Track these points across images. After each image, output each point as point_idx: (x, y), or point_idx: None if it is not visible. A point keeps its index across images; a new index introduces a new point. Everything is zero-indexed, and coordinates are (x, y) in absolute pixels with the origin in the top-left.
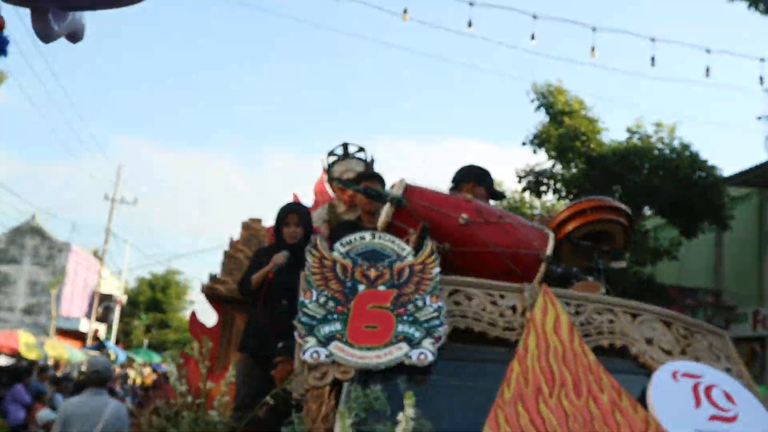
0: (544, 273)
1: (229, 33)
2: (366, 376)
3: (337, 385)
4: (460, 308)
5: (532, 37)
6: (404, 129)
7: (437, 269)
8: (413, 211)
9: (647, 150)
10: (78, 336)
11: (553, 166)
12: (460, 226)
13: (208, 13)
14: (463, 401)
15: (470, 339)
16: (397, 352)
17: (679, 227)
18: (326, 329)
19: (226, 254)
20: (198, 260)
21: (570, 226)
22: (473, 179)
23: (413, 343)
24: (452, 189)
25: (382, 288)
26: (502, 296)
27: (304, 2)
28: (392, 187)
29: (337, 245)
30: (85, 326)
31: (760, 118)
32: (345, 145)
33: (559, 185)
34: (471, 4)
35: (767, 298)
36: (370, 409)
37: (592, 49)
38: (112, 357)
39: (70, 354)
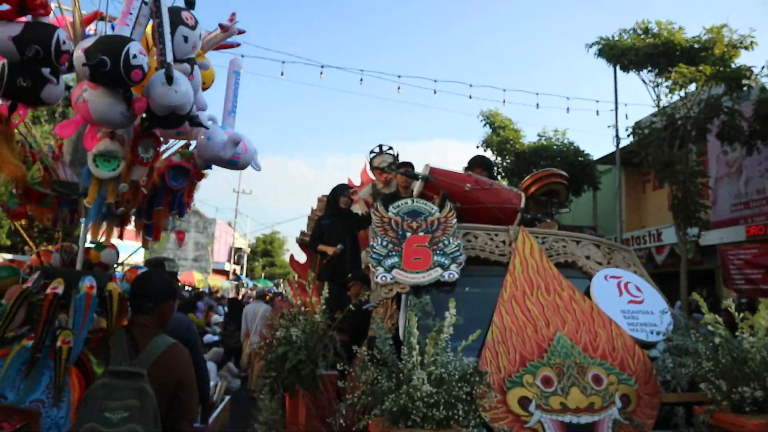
0: (520, 218)
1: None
2: (416, 289)
3: (397, 297)
4: (471, 244)
5: None
6: (405, 136)
7: (455, 220)
8: (435, 184)
9: (549, 147)
10: (224, 273)
11: (496, 159)
12: (466, 192)
13: None
14: (476, 301)
15: (478, 262)
16: (435, 273)
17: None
18: (389, 261)
19: (309, 218)
20: (290, 225)
21: (532, 188)
22: (481, 165)
23: (444, 268)
24: (466, 170)
25: (421, 234)
26: (496, 234)
27: None
28: (422, 169)
29: (391, 208)
30: (228, 267)
31: (609, 126)
32: (380, 146)
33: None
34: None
35: (622, 230)
36: (422, 310)
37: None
38: (244, 284)
39: (221, 284)
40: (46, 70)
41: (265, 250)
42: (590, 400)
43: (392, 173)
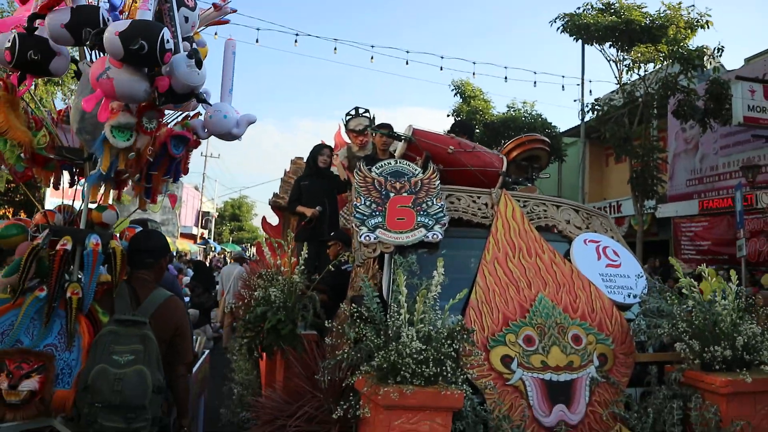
0: (501, 182)
1: None
2: (400, 249)
3: (379, 257)
4: (454, 206)
5: None
6: (376, 102)
7: (438, 182)
8: (418, 146)
9: (518, 118)
10: (191, 237)
11: None
12: (448, 155)
13: None
14: (459, 262)
15: (461, 224)
16: (419, 233)
17: None
18: (372, 221)
19: (282, 180)
20: (258, 189)
21: (514, 153)
22: (463, 129)
23: (428, 228)
24: (448, 133)
25: (405, 194)
26: (479, 197)
27: None
28: (405, 130)
29: (374, 168)
30: (195, 231)
31: (575, 100)
32: (356, 108)
33: None
34: None
35: (585, 197)
36: (408, 270)
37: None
38: (212, 248)
39: (189, 248)
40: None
41: (233, 214)
42: (570, 358)
43: (372, 135)
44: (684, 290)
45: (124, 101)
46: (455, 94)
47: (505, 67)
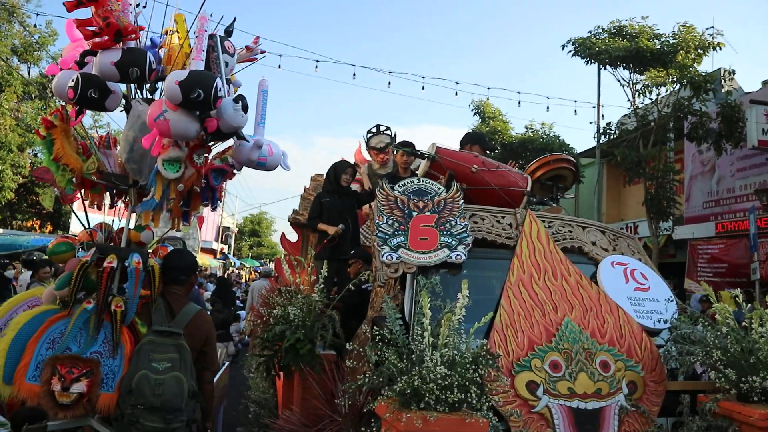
0: (526, 202)
1: None
2: (423, 270)
3: (401, 276)
4: (478, 226)
5: None
6: (394, 120)
7: (462, 201)
8: (442, 164)
9: (536, 139)
10: (212, 252)
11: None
12: (472, 173)
13: None
14: (483, 283)
15: (485, 245)
16: (442, 254)
17: None
18: (395, 241)
19: (302, 197)
20: (277, 205)
21: (539, 172)
22: (475, 141)
23: (451, 248)
24: (461, 147)
25: (428, 214)
26: (503, 217)
27: None
28: (428, 148)
29: (396, 187)
30: (216, 246)
31: (591, 122)
32: (378, 125)
33: None
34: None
35: (602, 218)
36: (432, 291)
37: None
38: (231, 263)
39: (209, 262)
40: (115, 86)
41: (252, 230)
42: (598, 386)
43: (393, 152)
44: (718, 316)
45: (178, 140)
46: (474, 114)
47: (519, 92)
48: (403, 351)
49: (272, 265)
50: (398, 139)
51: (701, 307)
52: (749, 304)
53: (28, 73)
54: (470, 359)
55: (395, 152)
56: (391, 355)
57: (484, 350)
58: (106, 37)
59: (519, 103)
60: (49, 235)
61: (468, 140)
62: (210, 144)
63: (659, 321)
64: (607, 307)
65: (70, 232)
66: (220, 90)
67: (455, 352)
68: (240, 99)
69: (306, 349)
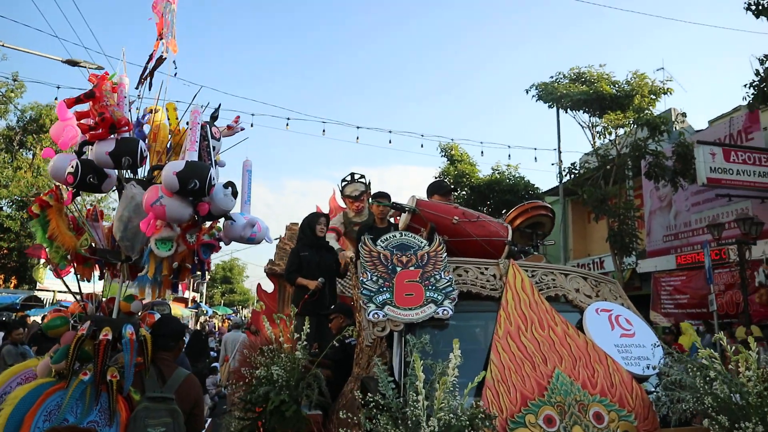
0: (508, 251)
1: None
2: (409, 326)
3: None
4: (462, 278)
5: None
6: (365, 161)
7: (445, 254)
8: (423, 217)
9: (503, 180)
10: (183, 301)
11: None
12: (453, 225)
13: None
14: (471, 337)
15: (470, 297)
16: (429, 310)
17: None
18: (380, 298)
19: (278, 246)
20: (249, 252)
21: (518, 221)
22: (433, 191)
23: (438, 304)
24: (429, 194)
25: (412, 269)
26: (486, 268)
27: None
28: (408, 201)
29: (379, 242)
30: (188, 294)
31: (553, 164)
32: (352, 174)
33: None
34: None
35: (569, 254)
36: (422, 350)
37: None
38: (204, 312)
39: (181, 311)
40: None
41: (224, 276)
42: None
43: (369, 201)
44: (704, 360)
45: (173, 223)
46: (442, 156)
47: (481, 143)
48: (398, 416)
49: (245, 313)
50: (372, 187)
51: (666, 339)
52: (708, 335)
53: None
54: (467, 422)
55: (370, 201)
56: (386, 422)
57: (480, 411)
58: (101, 130)
59: (482, 152)
60: (16, 292)
61: (434, 190)
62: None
63: (647, 367)
64: (595, 356)
65: (39, 286)
66: (213, 179)
67: (451, 415)
68: (230, 185)
69: (291, 410)
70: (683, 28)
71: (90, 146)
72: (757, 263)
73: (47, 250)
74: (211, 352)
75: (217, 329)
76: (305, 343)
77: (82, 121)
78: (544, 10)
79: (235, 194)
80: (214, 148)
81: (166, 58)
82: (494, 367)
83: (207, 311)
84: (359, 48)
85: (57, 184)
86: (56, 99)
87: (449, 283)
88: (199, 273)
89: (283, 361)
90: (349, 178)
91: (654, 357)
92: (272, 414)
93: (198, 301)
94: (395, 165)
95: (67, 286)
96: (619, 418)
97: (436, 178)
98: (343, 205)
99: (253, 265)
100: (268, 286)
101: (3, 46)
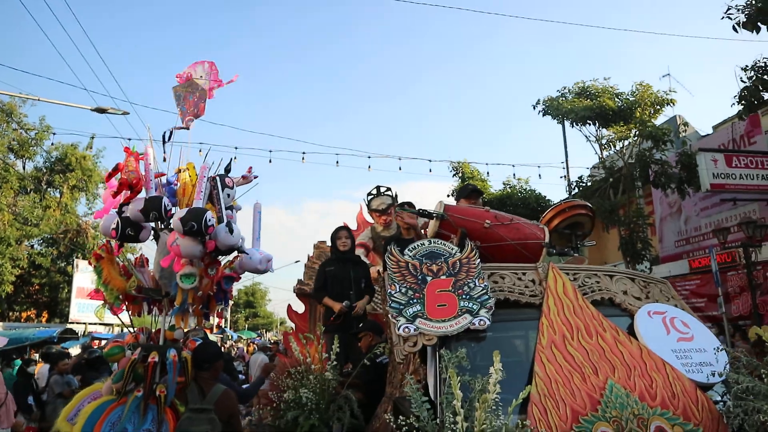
0: (545, 254)
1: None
2: (444, 340)
3: (421, 350)
4: (498, 285)
5: None
6: (381, 178)
7: (478, 260)
8: (452, 222)
9: (514, 194)
10: (208, 327)
11: None
12: (485, 229)
13: None
14: (511, 348)
15: (508, 305)
16: (464, 321)
17: None
18: (410, 310)
19: (306, 266)
20: (271, 275)
21: (555, 221)
22: (466, 195)
23: (473, 314)
24: (456, 199)
25: (443, 277)
26: (524, 273)
27: None
28: (435, 207)
29: (406, 251)
30: (212, 320)
31: (561, 177)
32: (378, 187)
33: None
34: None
35: (586, 263)
36: (458, 365)
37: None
38: (229, 336)
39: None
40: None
41: (247, 301)
42: None
43: (395, 214)
44: None
45: (188, 258)
46: (453, 175)
47: (486, 164)
48: None
49: (268, 336)
50: (399, 200)
51: None
52: (721, 336)
53: (23, 168)
54: None
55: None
56: None
57: (527, 431)
58: (127, 192)
59: (488, 173)
60: (50, 325)
61: (468, 193)
62: (219, 258)
63: (712, 374)
64: (651, 363)
65: (70, 318)
66: (210, 220)
67: None
68: (228, 224)
69: None
70: (689, 32)
71: (127, 206)
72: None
73: (104, 292)
74: (240, 375)
75: (246, 352)
76: (335, 362)
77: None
78: (545, 18)
79: (231, 231)
80: (228, 195)
81: (189, 128)
82: (539, 381)
83: (232, 336)
84: (359, 73)
85: (107, 239)
86: (93, 137)
87: (485, 291)
88: (223, 303)
89: (312, 383)
90: (375, 192)
91: (718, 362)
92: None
93: (222, 326)
94: (408, 181)
95: (122, 322)
96: None
97: (449, 196)
98: (370, 220)
99: (275, 288)
100: (299, 307)
101: (39, 100)
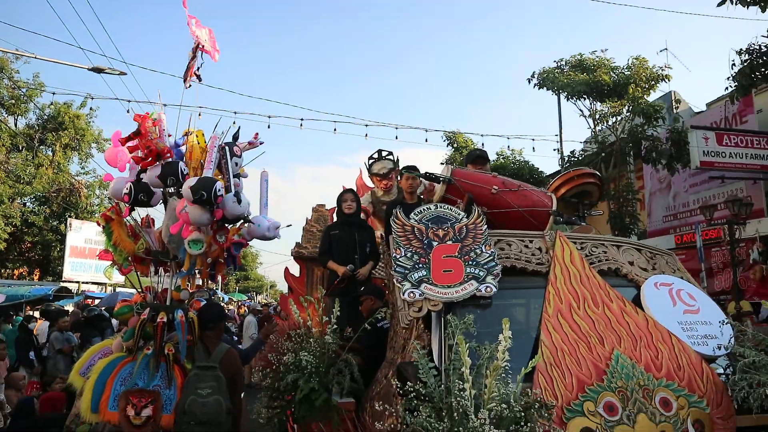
0: (552, 222)
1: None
2: (450, 306)
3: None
4: (505, 252)
5: None
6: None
7: (485, 226)
8: (459, 187)
9: (507, 165)
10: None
11: None
12: (493, 195)
13: None
14: (516, 316)
15: (513, 273)
16: (470, 287)
17: None
18: (416, 275)
19: (304, 229)
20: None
21: (562, 190)
22: (474, 160)
23: (480, 280)
24: (466, 164)
25: (449, 243)
26: (531, 241)
27: None
28: (442, 171)
29: (412, 215)
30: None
31: (554, 149)
32: (379, 151)
33: None
34: None
35: None
36: (465, 332)
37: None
38: (220, 298)
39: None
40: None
41: None
42: (660, 428)
43: (398, 178)
44: None
45: (196, 225)
46: (447, 145)
47: (482, 135)
48: (442, 408)
49: (259, 299)
50: (401, 164)
51: None
52: None
53: (15, 124)
54: (521, 413)
55: (399, 177)
56: (428, 413)
57: (537, 400)
58: (150, 159)
59: (483, 144)
60: (44, 283)
61: (476, 158)
62: (227, 226)
63: (717, 347)
64: (657, 334)
65: (64, 277)
66: (219, 190)
67: (503, 405)
68: (236, 194)
69: (321, 399)
70: (689, 10)
71: (144, 173)
72: (752, 241)
73: (113, 253)
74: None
75: (236, 314)
76: (335, 326)
77: (134, 154)
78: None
79: (239, 201)
80: (237, 164)
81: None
82: (546, 349)
83: (223, 298)
84: (359, 42)
85: (116, 201)
86: (89, 98)
87: (491, 258)
88: (232, 266)
89: (312, 346)
90: (376, 156)
91: (723, 335)
92: (301, 403)
93: (213, 288)
94: (405, 147)
95: (131, 282)
96: (689, 404)
97: (442, 164)
98: (370, 184)
99: (266, 252)
100: (295, 270)
101: (36, 58)
